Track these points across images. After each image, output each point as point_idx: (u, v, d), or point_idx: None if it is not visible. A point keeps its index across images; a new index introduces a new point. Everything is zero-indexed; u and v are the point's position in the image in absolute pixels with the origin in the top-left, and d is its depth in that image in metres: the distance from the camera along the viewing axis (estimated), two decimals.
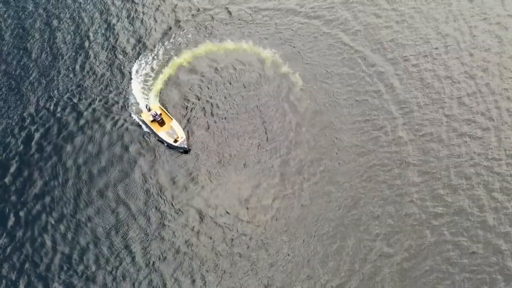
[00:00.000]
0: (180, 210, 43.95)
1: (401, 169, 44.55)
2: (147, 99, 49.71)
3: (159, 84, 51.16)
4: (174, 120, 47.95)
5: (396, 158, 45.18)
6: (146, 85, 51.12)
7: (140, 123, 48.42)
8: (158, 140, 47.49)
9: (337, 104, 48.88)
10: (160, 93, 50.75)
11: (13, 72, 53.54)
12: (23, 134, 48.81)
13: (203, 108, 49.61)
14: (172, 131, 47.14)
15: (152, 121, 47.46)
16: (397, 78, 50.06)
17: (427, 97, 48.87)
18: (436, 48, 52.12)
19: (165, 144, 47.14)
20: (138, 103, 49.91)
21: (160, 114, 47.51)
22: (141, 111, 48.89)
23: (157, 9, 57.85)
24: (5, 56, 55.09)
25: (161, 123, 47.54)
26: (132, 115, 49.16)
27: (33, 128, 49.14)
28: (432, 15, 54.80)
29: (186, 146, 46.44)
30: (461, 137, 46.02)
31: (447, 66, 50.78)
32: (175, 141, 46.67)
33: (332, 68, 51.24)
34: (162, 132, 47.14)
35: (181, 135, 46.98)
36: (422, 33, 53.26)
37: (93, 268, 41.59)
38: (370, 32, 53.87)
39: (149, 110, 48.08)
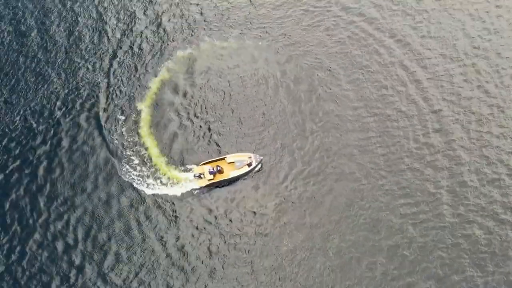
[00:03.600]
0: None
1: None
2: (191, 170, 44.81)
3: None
4: (225, 157, 44.34)
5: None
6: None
7: (205, 190, 43.79)
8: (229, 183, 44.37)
9: None
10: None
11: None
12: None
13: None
14: (238, 162, 43.60)
15: (214, 176, 43.45)
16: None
17: None
18: None
19: (242, 178, 43.75)
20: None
21: (215, 165, 43.89)
22: (197, 182, 44.06)
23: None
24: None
25: (220, 170, 43.69)
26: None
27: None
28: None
29: (261, 157, 43.70)
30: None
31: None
32: (250, 164, 43.31)
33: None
34: (233, 172, 43.56)
35: (248, 156, 43.86)
36: None
37: None
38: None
39: (200, 176, 43.66)
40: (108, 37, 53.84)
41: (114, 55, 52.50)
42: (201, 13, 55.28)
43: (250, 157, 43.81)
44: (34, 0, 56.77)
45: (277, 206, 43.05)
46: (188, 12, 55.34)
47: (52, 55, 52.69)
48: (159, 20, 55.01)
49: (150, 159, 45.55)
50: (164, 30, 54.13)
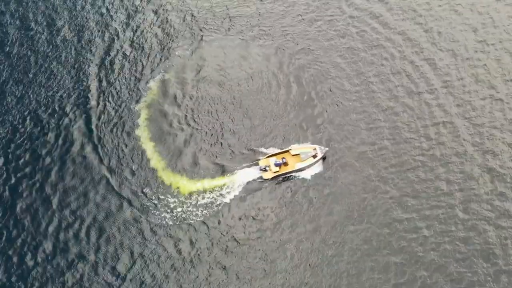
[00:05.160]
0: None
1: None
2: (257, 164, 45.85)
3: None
4: (290, 149, 45.27)
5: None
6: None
7: (268, 181, 44.74)
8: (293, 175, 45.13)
9: None
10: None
11: None
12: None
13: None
14: (303, 154, 44.43)
15: (279, 168, 44.45)
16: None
17: None
18: None
19: (305, 170, 44.90)
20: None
21: (281, 158, 45.02)
22: (261, 177, 45.03)
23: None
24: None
25: (286, 162, 44.68)
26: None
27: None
28: None
29: (327, 148, 44.53)
30: None
31: None
32: (315, 156, 44.15)
33: None
34: (299, 164, 44.48)
35: (313, 147, 44.69)
36: None
37: None
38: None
39: (265, 169, 44.64)
40: (104, 40, 55.24)
41: (106, 59, 53.60)
42: (203, 17, 56.61)
43: (315, 149, 44.66)
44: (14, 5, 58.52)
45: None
46: (192, 17, 56.66)
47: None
48: (162, 21, 56.31)
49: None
50: (167, 31, 55.38)
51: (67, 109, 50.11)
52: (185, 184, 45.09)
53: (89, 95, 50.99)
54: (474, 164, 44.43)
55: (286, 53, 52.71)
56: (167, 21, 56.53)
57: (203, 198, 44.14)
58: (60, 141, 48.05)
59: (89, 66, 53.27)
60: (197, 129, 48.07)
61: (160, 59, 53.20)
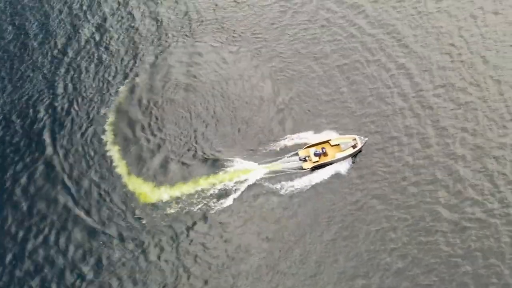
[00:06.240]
0: None
1: None
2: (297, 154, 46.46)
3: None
4: (329, 140, 45.81)
5: None
6: None
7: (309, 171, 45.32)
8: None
9: None
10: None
11: None
12: None
13: None
14: (343, 144, 44.82)
15: (319, 158, 45.03)
16: None
17: None
18: None
19: (345, 160, 45.31)
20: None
21: (321, 148, 45.46)
22: (301, 167, 45.63)
23: None
24: None
25: (325, 152, 45.14)
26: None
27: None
28: None
29: (366, 138, 44.83)
30: None
31: None
32: (355, 146, 44.49)
33: None
34: (339, 154, 44.90)
35: (352, 137, 45.05)
36: None
37: None
38: None
39: (305, 159, 45.25)
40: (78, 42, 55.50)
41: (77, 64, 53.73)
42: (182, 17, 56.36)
43: (354, 139, 44.99)
44: None
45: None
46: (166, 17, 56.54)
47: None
48: (135, 25, 56.23)
49: None
50: (139, 35, 55.32)
51: (32, 112, 50.45)
52: (151, 190, 45.09)
53: (56, 99, 51.15)
54: None
55: (259, 58, 52.21)
56: (140, 25, 56.33)
57: (170, 207, 44.03)
58: (23, 146, 48.29)
59: (57, 69, 53.39)
60: (166, 133, 48.03)
61: (132, 63, 53.05)
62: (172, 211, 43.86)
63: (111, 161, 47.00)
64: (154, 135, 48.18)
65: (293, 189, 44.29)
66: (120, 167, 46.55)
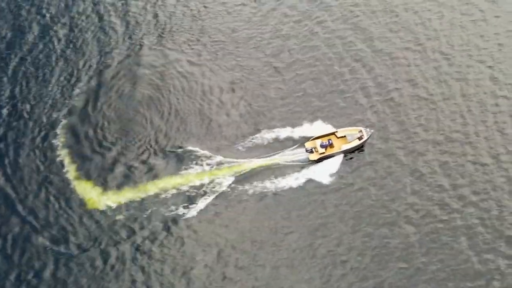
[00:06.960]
0: None
1: None
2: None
3: None
4: (335, 131, 46.44)
5: None
6: None
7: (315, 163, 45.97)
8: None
9: None
10: None
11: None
12: None
13: None
14: (349, 136, 45.49)
15: (325, 150, 45.64)
16: None
17: None
18: None
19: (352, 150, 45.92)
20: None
21: (327, 139, 45.93)
22: (308, 159, 46.21)
23: None
24: None
25: (332, 144, 45.78)
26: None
27: None
28: None
29: (372, 130, 45.39)
30: None
31: None
32: (361, 138, 45.12)
33: None
34: (345, 145, 45.53)
35: (358, 129, 45.68)
36: None
37: None
38: None
39: (311, 150, 45.92)
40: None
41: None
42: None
43: (360, 131, 45.54)
44: None
45: None
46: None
47: None
48: (102, 26, 54.44)
49: None
50: (105, 36, 53.83)
51: None
52: (102, 194, 44.39)
53: (5, 102, 49.95)
54: None
55: (226, 64, 51.80)
56: (107, 26, 54.41)
57: (120, 212, 43.36)
58: None
59: (4, 71, 51.87)
60: (122, 136, 47.36)
61: (88, 66, 51.67)
62: (121, 217, 43.11)
63: (62, 165, 46.00)
64: (109, 139, 47.16)
65: (287, 186, 44.78)
66: (70, 171, 45.65)
